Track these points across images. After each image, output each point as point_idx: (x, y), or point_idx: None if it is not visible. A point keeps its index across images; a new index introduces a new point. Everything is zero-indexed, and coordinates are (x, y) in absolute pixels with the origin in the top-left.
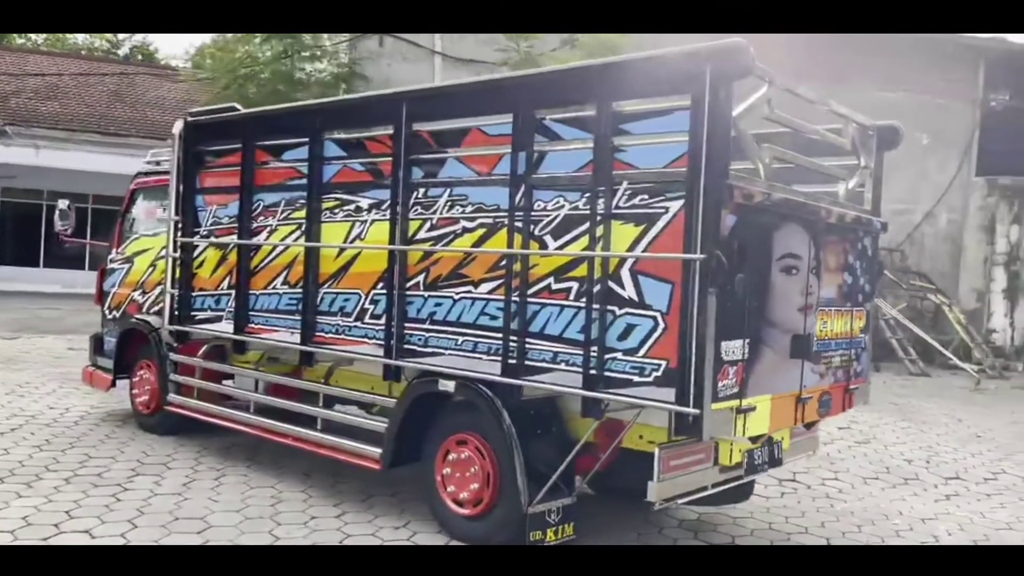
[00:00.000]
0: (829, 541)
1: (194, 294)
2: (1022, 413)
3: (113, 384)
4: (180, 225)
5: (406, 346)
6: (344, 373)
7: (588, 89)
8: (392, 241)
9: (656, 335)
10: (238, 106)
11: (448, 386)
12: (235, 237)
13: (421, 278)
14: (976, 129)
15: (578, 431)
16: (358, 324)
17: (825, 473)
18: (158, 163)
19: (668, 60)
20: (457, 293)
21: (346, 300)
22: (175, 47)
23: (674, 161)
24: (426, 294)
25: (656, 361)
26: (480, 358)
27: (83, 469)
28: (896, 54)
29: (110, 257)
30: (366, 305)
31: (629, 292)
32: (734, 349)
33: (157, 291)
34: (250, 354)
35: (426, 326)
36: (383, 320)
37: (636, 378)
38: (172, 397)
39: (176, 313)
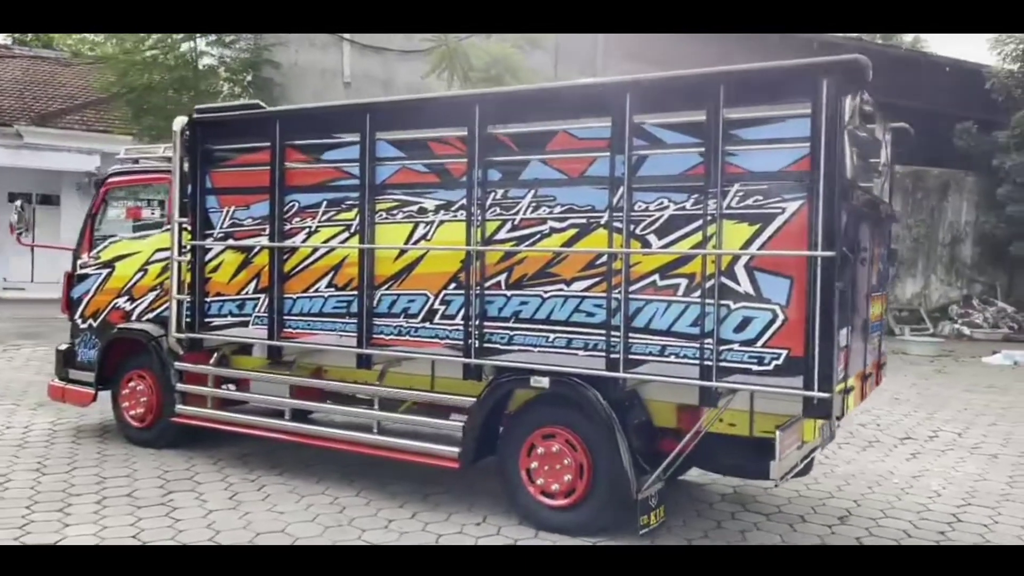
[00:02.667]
0: (857, 503)
1: (209, 299)
2: (912, 376)
3: (94, 398)
4: (188, 228)
5: (486, 345)
6: (391, 375)
7: (700, 96)
8: (469, 242)
9: (775, 326)
10: (262, 104)
11: (542, 382)
12: (264, 239)
13: (503, 277)
14: None
15: (659, 418)
16: (426, 325)
17: None
18: (135, 161)
19: (786, 71)
20: (546, 291)
21: (411, 301)
22: None
23: (790, 165)
24: (508, 293)
25: (776, 350)
26: (576, 354)
27: (108, 490)
28: (767, 50)
29: (80, 262)
30: (436, 306)
31: (745, 287)
32: (843, 336)
33: (151, 297)
34: (255, 359)
35: (510, 324)
36: (458, 320)
37: (755, 367)
38: (181, 408)
39: (188, 320)
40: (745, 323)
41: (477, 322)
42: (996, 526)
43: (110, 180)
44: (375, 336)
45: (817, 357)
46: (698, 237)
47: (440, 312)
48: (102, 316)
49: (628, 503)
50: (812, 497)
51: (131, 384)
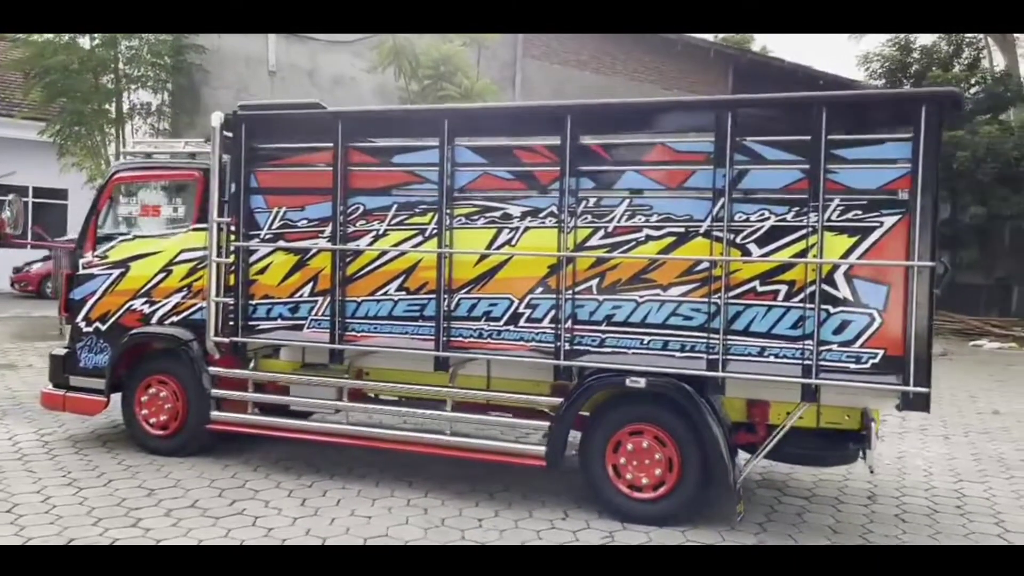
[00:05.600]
0: (873, 484)
1: (255, 302)
2: None
3: (107, 405)
4: (231, 228)
5: (576, 347)
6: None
7: (803, 117)
8: (560, 248)
9: (872, 329)
10: (323, 103)
11: (639, 382)
12: (322, 241)
13: (595, 282)
14: None
15: (733, 414)
16: (510, 328)
17: None
18: (148, 155)
19: (888, 98)
20: (642, 296)
21: (492, 305)
22: None
23: (889, 183)
24: (601, 297)
25: (873, 351)
26: (673, 355)
27: (165, 502)
28: (668, 56)
29: (83, 261)
30: (521, 309)
31: (844, 293)
32: None
33: (175, 299)
34: (283, 363)
35: (602, 328)
36: (546, 323)
37: (853, 365)
38: (217, 415)
39: (231, 323)
40: (844, 326)
41: (568, 325)
42: (996, 498)
43: (118, 175)
44: (453, 339)
45: (914, 355)
46: (798, 247)
47: (526, 316)
48: (112, 319)
49: (725, 491)
50: (831, 480)
51: (150, 390)
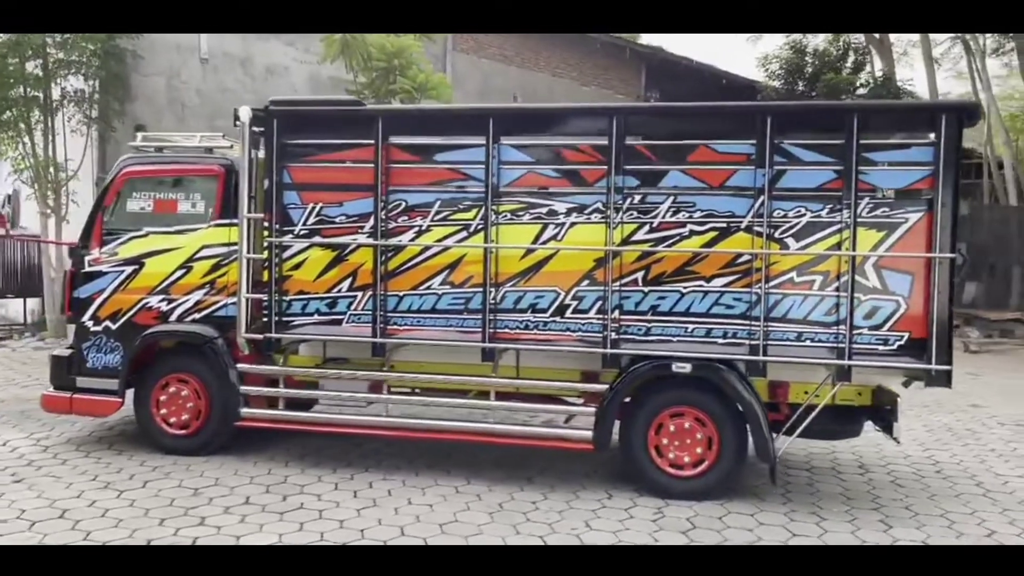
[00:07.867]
0: (858, 456)
1: (289, 298)
2: None
3: (121, 405)
4: (264, 224)
5: (623, 336)
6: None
7: (836, 123)
8: (607, 243)
9: (899, 314)
10: (362, 101)
11: (684, 368)
12: (361, 237)
13: (640, 275)
14: None
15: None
16: (556, 319)
17: None
18: (160, 149)
19: (912, 108)
20: (686, 287)
21: (539, 297)
22: None
23: (913, 183)
24: (646, 289)
25: (899, 334)
26: (715, 342)
27: (218, 500)
28: (587, 53)
29: (89, 258)
30: (567, 301)
31: (873, 282)
32: None
33: (196, 296)
34: (304, 357)
35: (647, 317)
36: (592, 314)
37: (881, 347)
38: (247, 411)
39: (263, 319)
40: (873, 312)
41: (615, 315)
42: (964, 462)
43: (128, 170)
44: (499, 331)
45: (936, 337)
46: (832, 240)
47: (572, 307)
48: (125, 317)
49: (761, 464)
50: (820, 453)
51: (169, 389)
